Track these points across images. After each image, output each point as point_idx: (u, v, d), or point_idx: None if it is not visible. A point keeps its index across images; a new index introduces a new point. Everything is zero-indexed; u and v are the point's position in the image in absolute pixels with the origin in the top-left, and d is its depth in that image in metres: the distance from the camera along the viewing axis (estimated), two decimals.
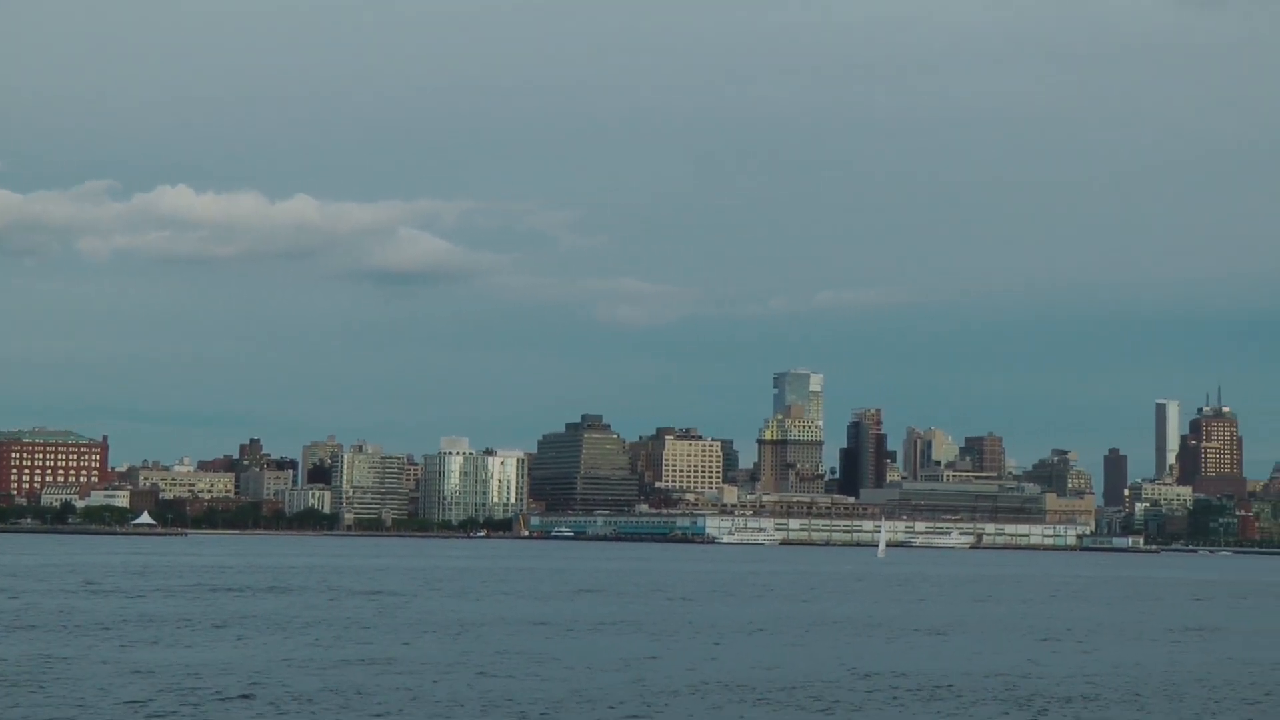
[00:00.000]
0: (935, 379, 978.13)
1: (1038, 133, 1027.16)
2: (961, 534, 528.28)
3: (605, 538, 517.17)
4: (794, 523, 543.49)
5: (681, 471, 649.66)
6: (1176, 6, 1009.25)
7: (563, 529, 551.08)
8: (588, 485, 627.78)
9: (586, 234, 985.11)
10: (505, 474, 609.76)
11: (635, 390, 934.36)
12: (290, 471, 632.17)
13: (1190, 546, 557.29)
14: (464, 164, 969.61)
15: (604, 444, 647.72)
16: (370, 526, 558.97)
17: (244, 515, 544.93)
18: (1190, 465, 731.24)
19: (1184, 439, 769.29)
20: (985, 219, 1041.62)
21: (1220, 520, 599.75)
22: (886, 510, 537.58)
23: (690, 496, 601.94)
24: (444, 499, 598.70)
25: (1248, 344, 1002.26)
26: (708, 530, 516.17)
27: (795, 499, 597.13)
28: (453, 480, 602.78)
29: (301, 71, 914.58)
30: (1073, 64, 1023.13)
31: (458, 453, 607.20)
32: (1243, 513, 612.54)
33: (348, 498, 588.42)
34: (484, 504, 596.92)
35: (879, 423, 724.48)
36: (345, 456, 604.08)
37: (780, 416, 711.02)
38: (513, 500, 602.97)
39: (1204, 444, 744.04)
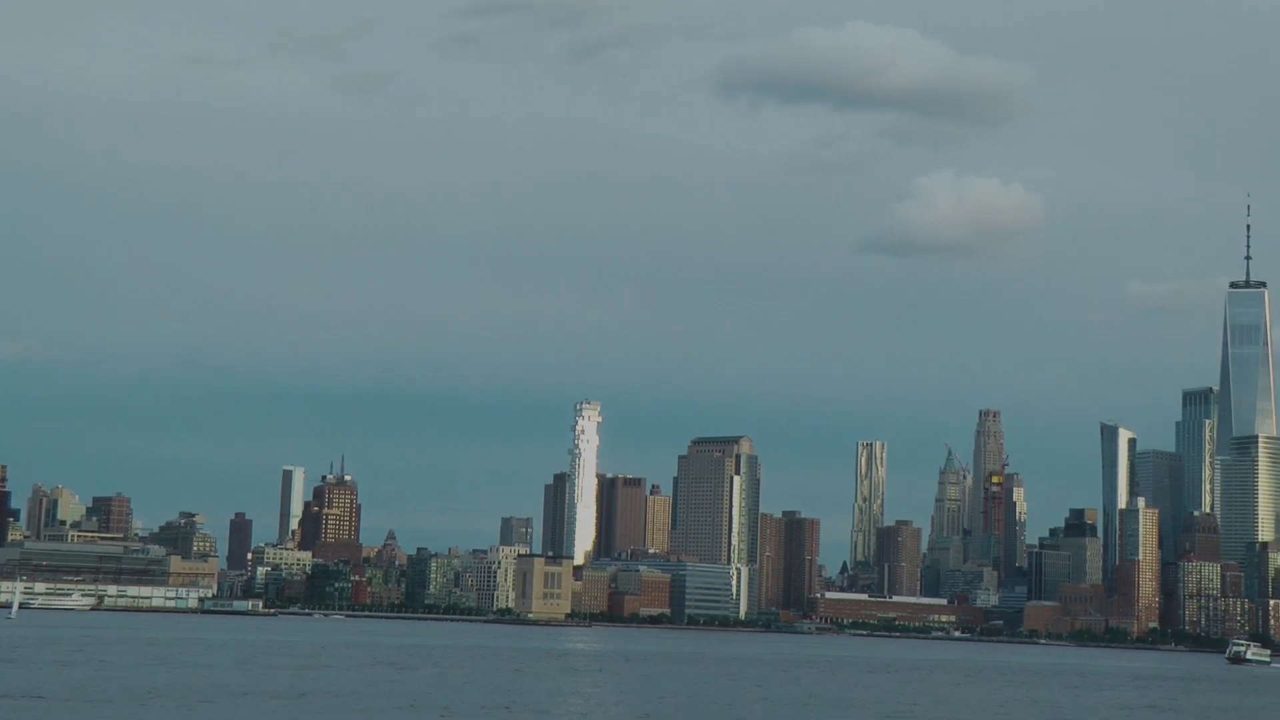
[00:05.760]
0: (65, 437, 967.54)
1: (191, 198, 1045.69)
2: (83, 595, 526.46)
3: None
4: None
5: None
6: (335, 92, 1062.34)
7: None
8: None
9: None
10: None
11: None
12: None
13: (307, 610, 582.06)
14: None
15: None
16: None
17: None
18: (312, 531, 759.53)
19: (308, 505, 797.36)
20: (124, 279, 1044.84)
21: (336, 585, 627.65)
22: (6, 570, 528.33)
23: None
24: None
25: (369, 414, 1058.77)
26: None
27: None
28: None
29: None
30: (222, 137, 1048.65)
31: None
32: (357, 578, 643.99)
33: None
34: None
35: (3, 479, 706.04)
36: None
37: None
38: None
39: (326, 510, 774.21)
